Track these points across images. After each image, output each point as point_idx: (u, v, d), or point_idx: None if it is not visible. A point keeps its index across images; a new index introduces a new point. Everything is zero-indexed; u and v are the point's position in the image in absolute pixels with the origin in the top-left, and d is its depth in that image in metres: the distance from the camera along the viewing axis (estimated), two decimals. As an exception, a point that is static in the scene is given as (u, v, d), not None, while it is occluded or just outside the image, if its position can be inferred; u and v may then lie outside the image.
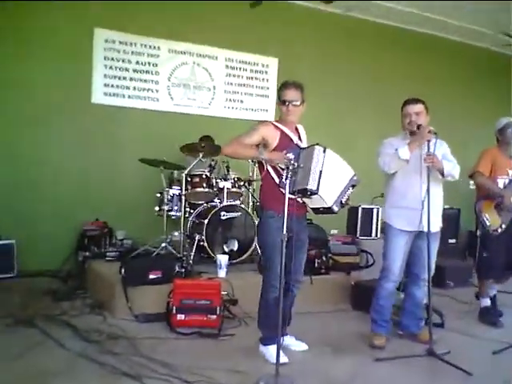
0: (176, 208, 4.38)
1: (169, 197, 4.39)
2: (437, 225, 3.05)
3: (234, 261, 4.13)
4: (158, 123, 5.24)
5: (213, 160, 4.63)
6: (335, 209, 2.59)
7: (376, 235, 4.75)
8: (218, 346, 2.98)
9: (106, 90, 5.06)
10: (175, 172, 4.63)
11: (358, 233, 4.73)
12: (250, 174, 4.75)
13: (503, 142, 3.58)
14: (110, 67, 5.07)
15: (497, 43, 6.67)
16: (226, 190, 4.36)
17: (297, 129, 2.87)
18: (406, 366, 2.75)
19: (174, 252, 4.14)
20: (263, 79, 5.82)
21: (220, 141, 3.84)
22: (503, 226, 3.44)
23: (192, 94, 5.47)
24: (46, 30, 4.75)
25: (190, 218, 4.45)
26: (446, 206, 5.62)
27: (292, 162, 2.47)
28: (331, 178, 2.55)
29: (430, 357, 2.79)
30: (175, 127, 5.22)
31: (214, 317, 3.18)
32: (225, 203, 4.28)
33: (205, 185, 4.42)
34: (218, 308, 3.19)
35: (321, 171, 2.48)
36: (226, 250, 4.16)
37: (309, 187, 2.46)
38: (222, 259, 3.82)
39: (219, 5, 5.31)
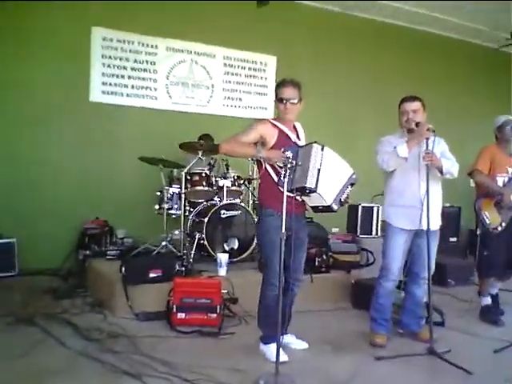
0: (176, 206, 4.38)
1: (169, 195, 4.38)
2: (436, 223, 3.04)
3: (235, 259, 4.13)
4: (157, 121, 5.24)
5: (212, 158, 4.62)
6: (334, 207, 2.58)
7: (376, 233, 4.74)
8: (218, 345, 2.98)
9: (104, 88, 5.06)
10: (175, 170, 4.62)
11: (359, 231, 4.72)
12: (250, 172, 4.75)
13: (502, 139, 3.57)
14: (108, 65, 5.07)
15: (495, 40, 6.65)
16: (225, 189, 4.35)
17: (295, 127, 2.86)
18: (407, 364, 2.74)
19: (175, 250, 4.14)
20: (262, 77, 5.81)
21: (219, 139, 3.84)
22: (503, 224, 3.43)
23: (190, 92, 5.46)
24: (45, 30, 4.76)
25: (190, 217, 4.45)
26: (447, 204, 5.67)
27: (290, 160, 2.46)
28: (330, 176, 2.54)
29: (430, 355, 2.78)
30: (174, 125, 5.22)
31: (215, 315, 3.18)
32: (225, 202, 4.28)
33: (204, 183, 4.41)
34: (219, 307, 3.19)
35: (319, 169, 2.48)
36: (227, 248, 4.16)
37: (307, 185, 2.45)
38: (223, 258, 3.82)
39: (217, 3, 5.30)
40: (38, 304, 3.51)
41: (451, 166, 2.93)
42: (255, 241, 4.12)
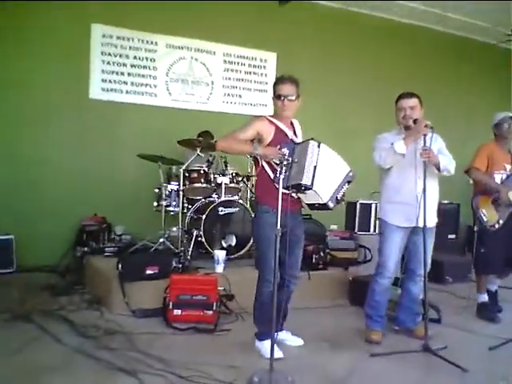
0: (174, 203, 4.39)
1: (167, 192, 4.38)
2: (432, 220, 3.03)
3: (232, 256, 4.14)
4: (156, 118, 5.24)
5: (211, 155, 4.62)
6: (330, 205, 2.58)
7: (374, 230, 4.74)
8: (214, 342, 2.98)
9: (104, 85, 5.05)
10: (173, 167, 4.62)
11: (357, 228, 4.72)
12: (249, 169, 4.75)
13: (500, 136, 3.56)
14: (108, 63, 5.06)
15: (497, 37, 6.61)
16: (223, 186, 4.35)
17: (292, 124, 2.85)
18: (402, 361, 2.74)
19: (172, 247, 4.14)
20: (261, 74, 5.80)
21: (219, 136, 3.82)
22: (501, 222, 3.42)
23: (190, 89, 5.45)
24: (44, 29, 4.76)
25: (188, 214, 4.45)
26: (445, 201, 5.66)
27: (286, 156, 2.46)
28: (326, 173, 2.54)
29: (425, 352, 2.78)
30: (173, 122, 5.21)
31: (211, 312, 3.19)
32: (223, 198, 4.28)
33: (203, 180, 4.41)
34: (215, 303, 3.20)
35: (315, 166, 2.47)
36: (224, 245, 4.16)
37: (303, 182, 2.45)
38: (220, 254, 3.82)
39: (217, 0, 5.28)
40: (35, 301, 3.51)
41: (448, 163, 2.92)
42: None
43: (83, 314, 3.32)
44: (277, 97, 2.75)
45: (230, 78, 5.65)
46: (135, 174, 5.06)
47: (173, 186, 4.40)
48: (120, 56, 5.11)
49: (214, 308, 3.20)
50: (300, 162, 2.51)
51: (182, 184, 4.30)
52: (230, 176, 4.46)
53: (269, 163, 2.69)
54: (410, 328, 3.15)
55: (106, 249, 4.24)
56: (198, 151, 4.39)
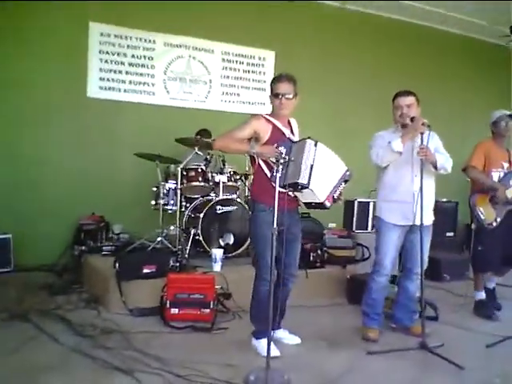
0: (172, 202, 4.39)
1: (165, 191, 4.38)
2: (429, 218, 3.03)
3: (230, 255, 4.14)
4: (154, 117, 5.23)
5: (209, 154, 4.61)
6: (327, 204, 2.58)
7: (372, 229, 4.74)
8: (212, 340, 2.98)
9: (102, 83, 5.05)
10: (171, 166, 4.62)
11: (354, 226, 4.72)
12: (247, 167, 4.73)
13: (497, 134, 3.55)
14: (106, 61, 5.05)
15: (495, 35, 6.60)
16: (221, 184, 4.35)
17: (289, 122, 2.85)
18: (399, 359, 2.74)
19: (170, 246, 4.14)
20: (260, 72, 5.79)
21: (217, 134, 3.83)
22: (498, 220, 3.42)
23: (188, 87, 5.45)
24: (42, 28, 4.75)
25: (186, 212, 4.45)
26: (444, 199, 5.66)
27: (283, 155, 2.45)
28: (323, 172, 2.53)
29: (422, 350, 2.78)
30: (171, 121, 5.21)
31: (208, 311, 3.19)
32: (221, 197, 4.28)
33: (200, 179, 4.41)
34: (212, 302, 3.20)
35: (312, 165, 2.47)
36: (222, 243, 4.16)
37: (300, 181, 2.45)
38: (217, 253, 3.82)
39: (215, -2, 5.28)
40: (32, 300, 3.51)
41: (445, 161, 2.92)
42: (250, 236, 4.12)
43: (80, 313, 3.32)
44: (274, 95, 2.75)
45: (228, 77, 5.64)
46: (133, 173, 5.05)
47: (171, 184, 4.40)
48: (118, 54, 5.10)
49: (211, 307, 3.19)
50: (297, 160, 2.51)
51: (179, 182, 4.30)
52: (228, 174, 4.46)
53: (266, 162, 2.69)
54: (407, 326, 3.15)
55: (104, 248, 4.23)
56: (196, 149, 4.39)
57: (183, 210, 4.45)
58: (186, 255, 3.98)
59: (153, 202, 4.43)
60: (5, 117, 4.66)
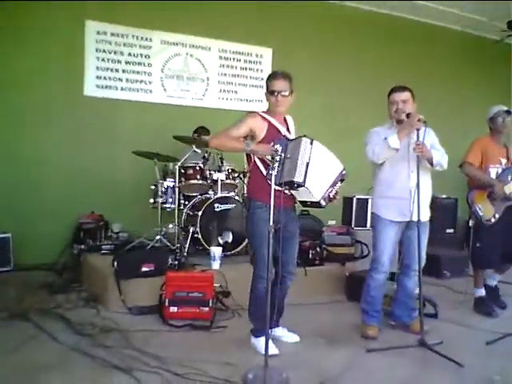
0: (170, 200, 4.38)
1: (163, 189, 4.38)
2: (426, 214, 3.02)
3: (229, 253, 4.13)
4: (152, 115, 5.22)
5: (207, 151, 4.61)
6: (323, 203, 2.57)
7: (371, 225, 4.72)
8: (210, 338, 2.98)
9: (99, 82, 5.04)
10: (169, 164, 4.61)
11: (353, 223, 4.71)
12: (245, 165, 4.72)
13: (495, 130, 3.53)
14: (102, 59, 5.04)
15: (495, 31, 6.56)
16: (219, 182, 4.34)
17: (285, 120, 2.84)
18: (398, 356, 2.74)
19: (169, 244, 4.14)
20: (257, 69, 5.78)
21: (215, 132, 3.83)
22: (496, 216, 3.39)
23: (185, 85, 5.43)
24: (40, 28, 4.74)
25: (185, 211, 4.44)
26: (443, 196, 5.65)
27: (279, 153, 2.44)
28: (319, 170, 2.52)
29: (421, 347, 2.77)
30: (169, 119, 5.20)
31: (207, 309, 3.19)
32: (219, 195, 4.27)
33: (198, 177, 4.40)
34: (211, 300, 3.20)
35: (307, 163, 2.46)
36: (221, 241, 4.15)
37: (295, 179, 2.44)
38: (216, 251, 3.81)
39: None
40: (32, 299, 3.51)
41: (441, 158, 2.91)
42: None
43: (80, 312, 3.32)
44: (270, 92, 2.74)
45: (225, 74, 5.63)
46: (132, 171, 5.05)
47: (169, 182, 4.40)
48: (115, 53, 5.09)
49: (210, 305, 3.19)
50: (293, 158, 2.50)
51: (177, 181, 4.29)
52: (226, 172, 4.45)
53: (262, 160, 2.68)
54: (407, 323, 3.15)
55: (103, 246, 4.23)
56: (194, 147, 4.38)
57: (181, 208, 4.45)
58: (185, 253, 3.97)
59: (151, 201, 4.42)
60: (3, 117, 4.65)
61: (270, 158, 2.53)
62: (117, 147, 5.09)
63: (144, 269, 3.48)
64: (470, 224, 3.50)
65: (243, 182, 4.63)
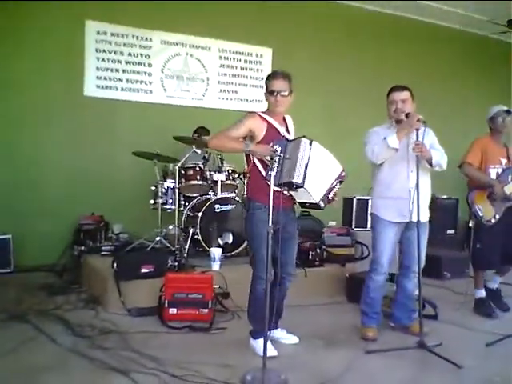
0: (171, 201, 4.38)
1: (163, 190, 4.37)
2: (425, 215, 3.00)
3: (229, 254, 4.12)
4: (152, 115, 5.22)
5: (207, 152, 4.60)
6: (322, 205, 2.56)
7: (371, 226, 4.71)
8: (210, 340, 2.97)
9: (99, 82, 5.04)
10: (170, 165, 4.60)
11: (354, 224, 4.69)
12: (245, 166, 4.70)
13: (495, 130, 3.51)
14: (102, 59, 5.04)
15: (495, 31, 6.54)
16: (220, 183, 4.33)
17: (285, 120, 2.83)
18: (398, 358, 2.73)
19: (169, 246, 4.13)
20: (257, 69, 5.77)
21: (215, 132, 3.83)
22: (497, 217, 3.37)
23: (185, 85, 5.43)
24: (40, 28, 4.74)
25: (185, 211, 4.44)
26: (444, 196, 5.63)
27: (278, 153, 2.44)
28: (318, 171, 2.51)
29: (421, 349, 2.76)
30: (169, 119, 5.19)
31: (206, 310, 3.18)
32: (219, 196, 4.26)
33: (199, 177, 4.40)
34: (210, 302, 3.19)
35: (307, 164, 2.45)
36: (221, 242, 4.14)
37: (294, 180, 2.43)
38: (216, 252, 3.81)
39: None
40: (31, 300, 3.51)
41: (440, 158, 2.89)
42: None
43: (79, 314, 3.32)
44: (269, 92, 2.72)
45: (225, 74, 5.62)
46: (132, 172, 5.04)
47: (169, 183, 4.39)
48: (115, 53, 5.09)
49: (210, 306, 3.18)
50: (292, 159, 2.49)
51: (178, 181, 4.28)
52: (227, 173, 4.44)
53: (261, 160, 2.67)
54: (406, 325, 3.13)
55: (103, 248, 4.22)
56: (194, 148, 4.37)
57: (182, 209, 4.44)
58: (185, 254, 3.97)
59: (151, 202, 4.42)
60: (3, 117, 4.65)
61: (269, 158, 2.52)
62: (117, 148, 5.10)
63: (144, 270, 3.47)
64: (470, 225, 3.48)
65: (243, 182, 4.62)
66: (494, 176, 3.44)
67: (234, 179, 4.50)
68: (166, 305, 3.18)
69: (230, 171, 4.49)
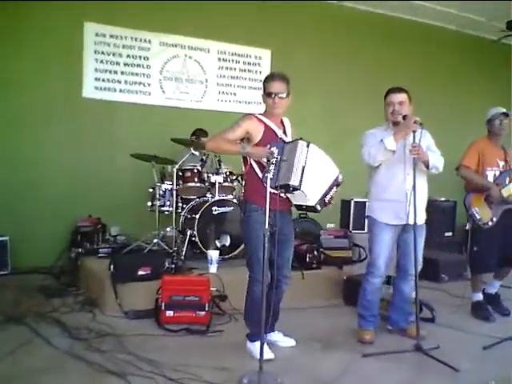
0: (168, 203, 4.37)
1: (161, 192, 4.37)
2: (422, 217, 2.99)
3: (226, 256, 4.12)
4: (150, 117, 5.22)
5: (204, 154, 4.60)
6: (318, 208, 2.56)
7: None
8: (207, 343, 2.97)
9: (97, 84, 5.03)
10: (168, 167, 4.60)
11: (351, 226, 4.69)
12: (243, 168, 4.70)
13: (492, 132, 3.50)
14: (101, 61, 5.04)
15: (494, 32, 6.55)
16: (217, 185, 4.33)
17: (282, 122, 2.83)
18: (394, 361, 2.72)
19: (166, 248, 4.12)
20: (256, 71, 5.77)
21: (213, 134, 3.83)
22: (494, 219, 3.37)
23: (184, 87, 5.43)
24: (39, 29, 4.74)
25: (182, 213, 4.43)
26: (442, 199, 5.62)
27: (275, 156, 2.44)
28: (315, 174, 2.51)
29: (418, 352, 2.75)
30: (167, 121, 5.19)
31: (203, 313, 3.17)
32: (217, 198, 4.26)
33: (196, 179, 4.39)
34: (207, 304, 3.18)
35: (303, 167, 2.45)
36: (218, 245, 4.14)
37: (291, 183, 2.43)
38: (213, 255, 3.80)
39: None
40: (29, 303, 3.49)
41: (437, 161, 2.89)
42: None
43: (76, 316, 3.30)
44: (267, 94, 2.73)
45: (224, 76, 5.62)
46: (130, 174, 5.04)
47: (167, 185, 4.39)
48: (113, 55, 5.09)
49: (207, 309, 3.18)
50: (289, 161, 2.49)
51: (175, 183, 4.28)
52: (224, 175, 4.44)
53: (258, 162, 2.67)
54: (403, 327, 3.13)
55: (100, 250, 4.21)
56: (192, 150, 4.37)
57: (179, 211, 4.44)
58: (182, 257, 3.96)
59: (149, 204, 4.41)
60: (3, 117, 4.65)
61: (265, 160, 2.52)
62: (115, 149, 5.09)
63: (140, 272, 3.46)
64: (467, 227, 3.48)
65: (241, 184, 4.62)
66: (491, 178, 3.43)
67: (231, 181, 4.49)
68: (163, 307, 3.17)
69: (228, 173, 4.48)
